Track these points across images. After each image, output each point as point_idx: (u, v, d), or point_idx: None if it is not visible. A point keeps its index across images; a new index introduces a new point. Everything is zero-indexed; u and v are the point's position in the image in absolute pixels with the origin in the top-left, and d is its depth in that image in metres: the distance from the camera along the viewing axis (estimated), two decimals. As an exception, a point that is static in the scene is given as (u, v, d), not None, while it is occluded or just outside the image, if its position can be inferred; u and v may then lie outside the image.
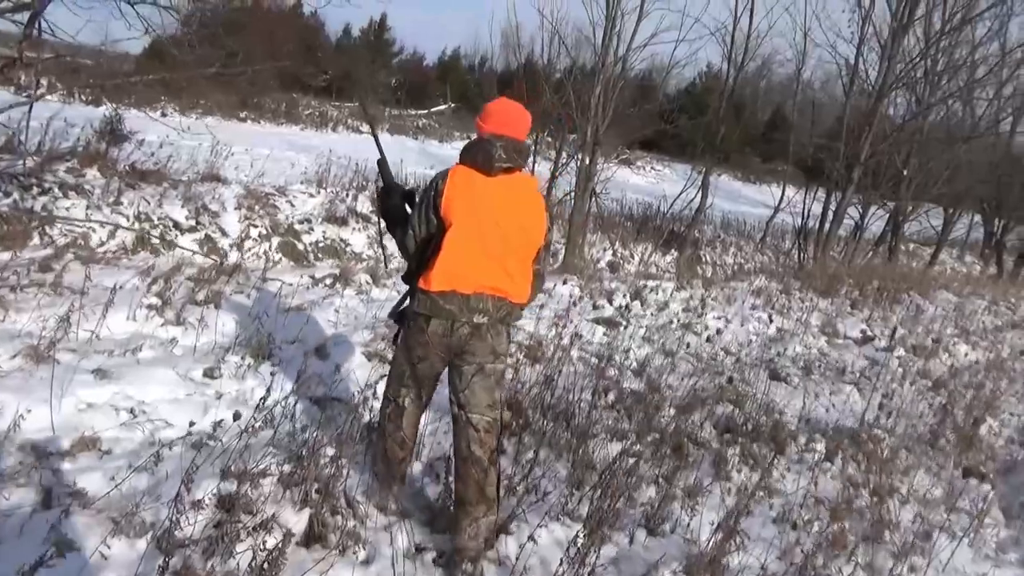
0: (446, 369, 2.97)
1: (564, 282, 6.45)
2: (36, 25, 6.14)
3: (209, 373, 3.98)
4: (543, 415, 3.95)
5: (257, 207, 10.41)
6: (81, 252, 5.16)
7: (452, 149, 26.05)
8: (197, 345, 4.17)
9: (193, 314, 4.43)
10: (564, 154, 11.51)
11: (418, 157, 22.29)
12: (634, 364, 5.24)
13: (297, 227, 10.36)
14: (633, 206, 17.37)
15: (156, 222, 9.35)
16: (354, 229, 10.83)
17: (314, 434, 3.24)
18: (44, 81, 12.62)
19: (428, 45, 73.88)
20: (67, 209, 8.75)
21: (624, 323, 5.79)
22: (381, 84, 43.20)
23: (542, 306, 5.80)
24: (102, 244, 8.82)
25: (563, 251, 12.62)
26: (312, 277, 5.63)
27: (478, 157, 2.77)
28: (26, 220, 7.61)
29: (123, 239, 8.96)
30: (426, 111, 36.89)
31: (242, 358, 4.14)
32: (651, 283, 7.19)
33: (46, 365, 3.67)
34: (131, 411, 3.55)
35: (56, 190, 9.13)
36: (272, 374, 4.10)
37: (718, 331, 6.51)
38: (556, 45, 10.71)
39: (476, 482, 2.76)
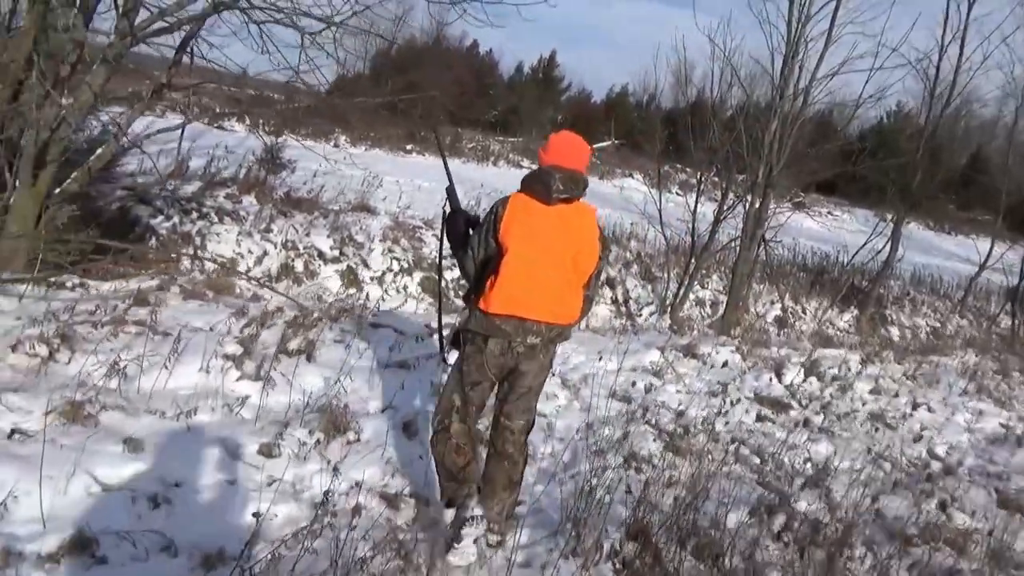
0: None
1: (722, 344, 5.43)
2: (188, 51, 6.08)
3: (266, 451, 3.20)
4: (679, 545, 2.99)
5: (403, 239, 10.15)
6: (187, 284, 4.89)
7: (612, 186, 25.25)
8: (266, 408, 3.40)
9: (279, 367, 3.66)
10: (731, 195, 10.39)
11: (576, 193, 21.78)
12: (809, 468, 4.10)
13: (445, 263, 9.95)
14: (807, 254, 15.71)
15: (302, 251, 9.29)
16: (498, 267, 10.29)
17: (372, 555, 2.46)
18: (196, 106, 13.24)
19: (597, 83, 74.10)
20: (217, 235, 8.86)
21: (796, 406, 4.66)
22: (548, 119, 43.45)
23: (697, 373, 4.86)
24: (249, 270, 8.85)
25: (723, 305, 11.41)
26: (428, 327, 4.89)
27: (537, 187, 2.89)
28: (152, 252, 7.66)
29: (268, 266, 8.95)
30: (589, 148, 36.43)
31: (310, 432, 3.31)
32: (830, 353, 5.94)
33: (80, 427, 3.04)
34: (152, 500, 2.79)
35: (213, 215, 9.31)
36: (343, 457, 3.23)
37: (922, 430, 5.05)
38: (728, 76, 9.73)
39: (506, 472, 3.01)
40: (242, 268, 8.77)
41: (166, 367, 3.36)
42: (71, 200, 7.64)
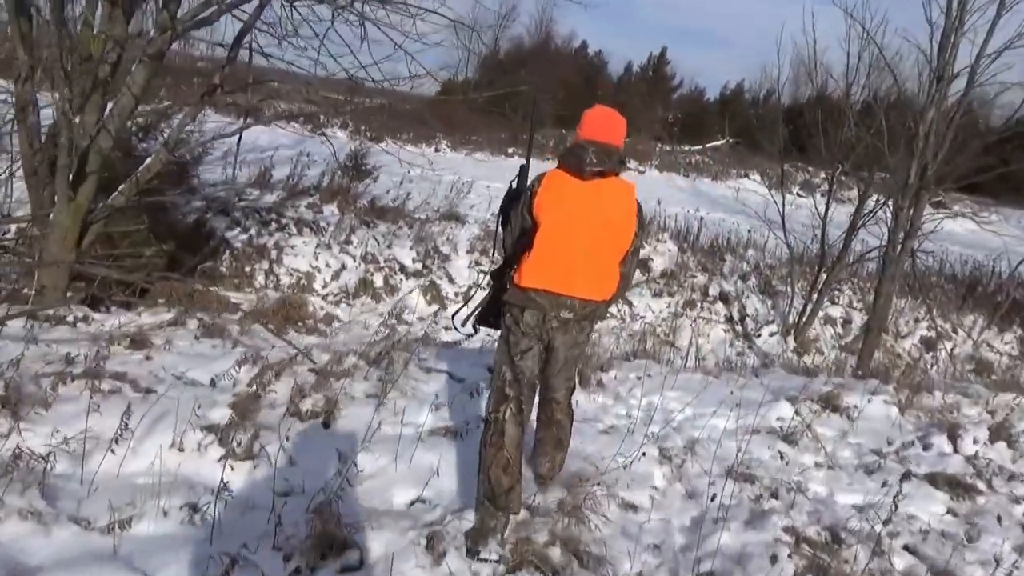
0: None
1: (873, 392, 4.14)
2: (244, 47, 5.45)
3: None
4: None
5: (492, 250, 9.30)
6: (207, 318, 4.16)
7: (726, 188, 23.54)
8: (240, 503, 2.40)
9: (281, 439, 2.70)
10: (872, 199, 8.91)
11: (687, 197, 20.29)
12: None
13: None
14: (954, 263, 13.72)
15: (382, 264, 8.62)
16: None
17: None
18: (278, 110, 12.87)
19: (710, 80, 71.18)
20: (293, 248, 8.32)
21: (984, 487, 3.36)
22: (657, 118, 41.85)
23: (842, 435, 3.68)
24: (326, 285, 8.26)
25: (856, 324, 9.88)
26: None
27: (571, 161, 2.87)
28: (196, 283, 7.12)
29: (346, 281, 8.33)
30: (700, 147, 34.59)
31: (286, 557, 2.22)
32: (1015, 402, 4.51)
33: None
34: None
35: (292, 226, 8.79)
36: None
37: None
38: (869, 58, 8.28)
39: (554, 435, 3.11)
40: (318, 284, 8.20)
41: (112, 450, 2.40)
42: (140, 213, 7.29)
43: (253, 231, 8.43)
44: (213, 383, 3.10)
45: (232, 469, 2.49)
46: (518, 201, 2.98)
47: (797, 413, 3.88)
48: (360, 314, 7.80)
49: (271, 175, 9.75)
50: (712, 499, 2.99)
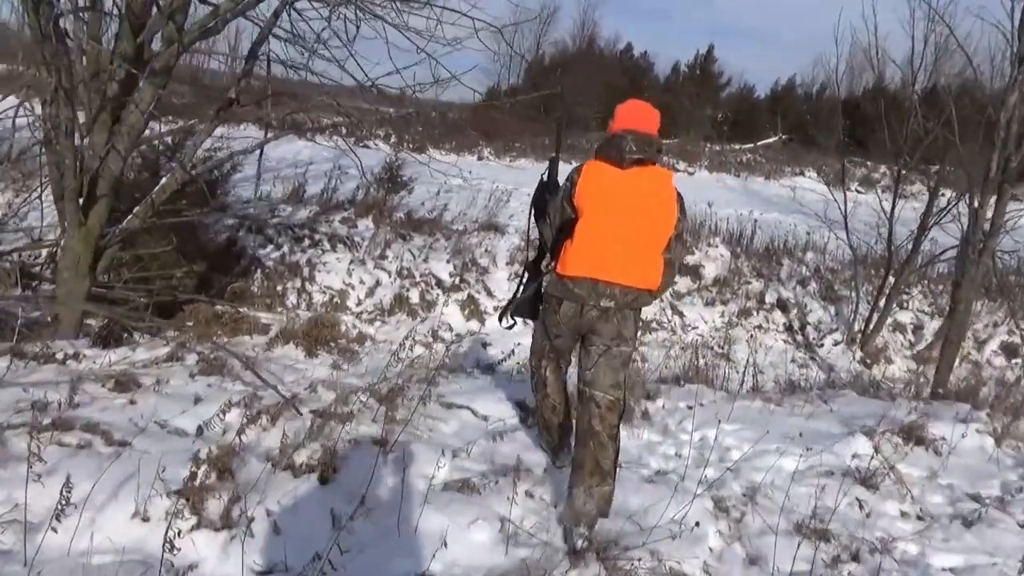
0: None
1: (962, 420, 3.52)
2: (260, 59, 5.16)
3: None
4: None
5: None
6: (208, 351, 3.80)
7: (781, 187, 22.63)
8: None
9: (266, 501, 2.28)
10: (943, 196, 8.20)
11: (739, 197, 19.50)
12: None
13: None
14: (1032, 260, 12.74)
15: (418, 279, 8.28)
16: (645, 290, 8.74)
17: None
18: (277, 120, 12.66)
19: (759, 77, 69.39)
20: (325, 265, 8.03)
21: None
22: (706, 118, 40.92)
23: (930, 476, 3.13)
24: (360, 303, 7.96)
25: (928, 330, 9.13)
26: (520, 405, 3.45)
27: (611, 152, 2.91)
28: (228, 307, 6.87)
29: (381, 298, 8.01)
30: (752, 145, 33.56)
31: None
32: None
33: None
34: None
35: (326, 242, 8.53)
36: None
37: None
38: (937, 41, 7.60)
39: (592, 454, 2.85)
40: (352, 301, 7.90)
41: (54, 528, 1.93)
42: (168, 233, 7.09)
43: (286, 248, 8.19)
44: (200, 431, 2.75)
45: (204, 543, 2.13)
46: (552, 193, 3.07)
47: (876, 450, 3.34)
48: (395, 331, 7.45)
49: (304, 190, 9.52)
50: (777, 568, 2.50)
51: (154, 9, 4.63)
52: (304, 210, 9.11)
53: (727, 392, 4.29)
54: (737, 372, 6.47)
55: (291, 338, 6.79)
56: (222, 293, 7.33)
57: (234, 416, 2.80)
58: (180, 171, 5.12)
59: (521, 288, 3.19)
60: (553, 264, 2.99)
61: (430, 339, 7.36)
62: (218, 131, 7.65)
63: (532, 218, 3.21)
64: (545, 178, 3.14)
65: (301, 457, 2.58)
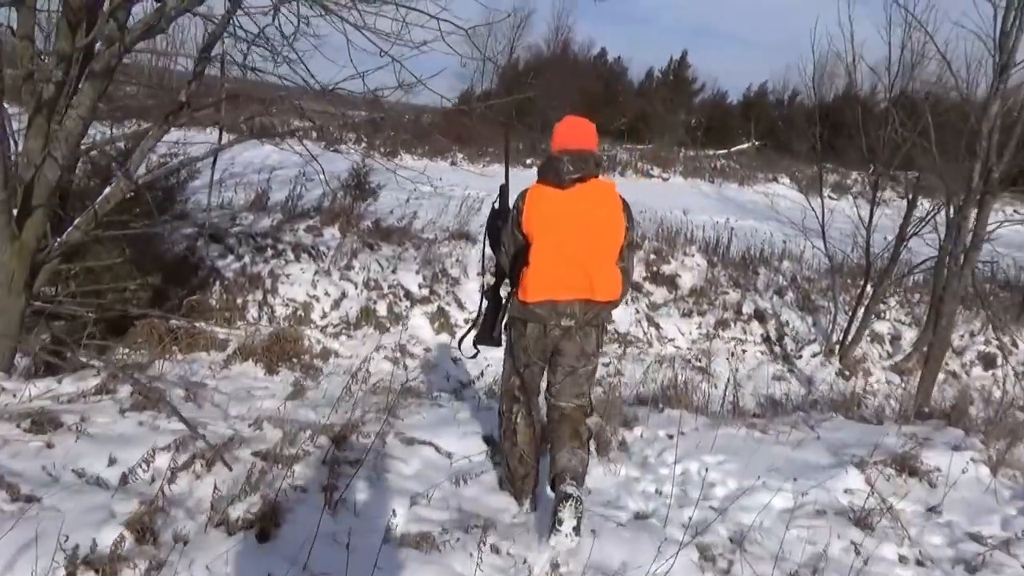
0: None
1: (955, 448, 3.32)
2: (213, 60, 4.84)
3: None
4: None
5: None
6: (146, 379, 3.46)
7: (755, 193, 22.61)
8: None
9: (194, 565, 1.96)
10: (920, 204, 8.08)
11: (714, 204, 19.40)
12: None
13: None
14: (1008, 268, 12.74)
15: (386, 290, 7.97)
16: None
17: None
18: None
19: (732, 83, 69.73)
20: (288, 277, 7.69)
21: None
22: (679, 123, 41.00)
23: (927, 512, 2.94)
24: (324, 316, 7.62)
25: (906, 340, 9.02)
26: (487, 439, 3.29)
27: (549, 174, 2.99)
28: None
29: (347, 311, 7.68)
30: (726, 151, 33.66)
31: None
32: None
33: None
34: None
35: (289, 252, 8.18)
36: None
37: None
38: (915, 47, 7.47)
39: (569, 426, 2.98)
40: (316, 314, 7.56)
41: None
42: (120, 244, 6.70)
43: (247, 259, 7.83)
44: (125, 480, 2.43)
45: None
46: (504, 220, 3.09)
47: (870, 485, 3.11)
48: (361, 346, 7.14)
49: (268, 197, 9.16)
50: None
51: (105, 5, 4.30)
52: (267, 218, 8.75)
53: (708, 417, 4.04)
54: (716, 388, 6.26)
55: (250, 354, 6.45)
56: (178, 307, 6.96)
57: (163, 462, 2.49)
58: (125, 180, 4.77)
59: (481, 316, 3.21)
60: (514, 290, 3.04)
61: (398, 354, 7.06)
62: (174, 135, 7.33)
63: (487, 246, 3.24)
64: (496, 205, 3.16)
65: (237, 511, 2.27)
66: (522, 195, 2.99)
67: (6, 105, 4.47)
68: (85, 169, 6.93)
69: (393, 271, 8.18)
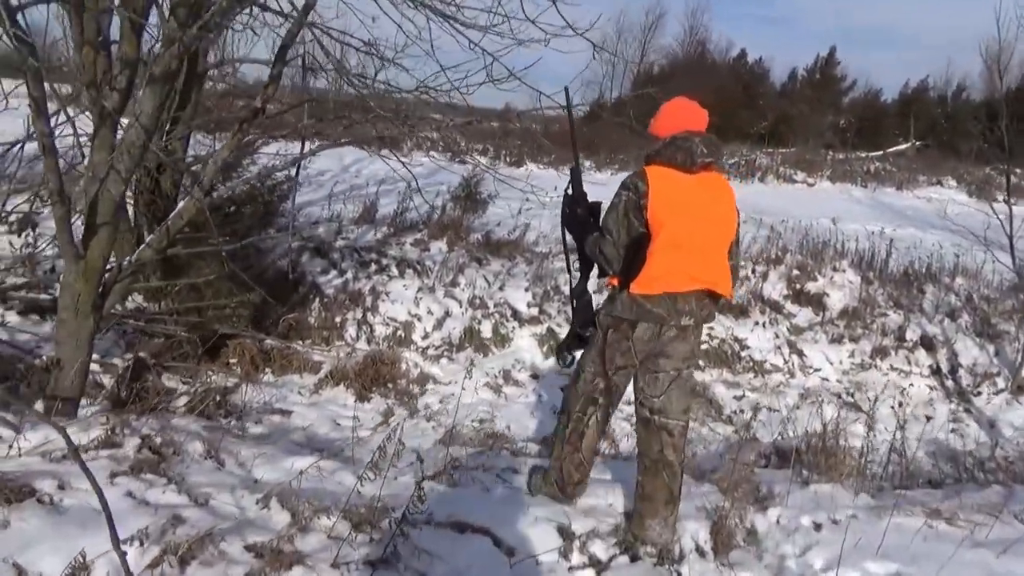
0: None
1: None
2: (292, 63, 4.41)
3: None
4: None
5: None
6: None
7: (914, 198, 20.34)
8: None
9: None
10: None
11: (867, 211, 17.50)
12: None
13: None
14: None
15: (491, 309, 7.36)
16: (757, 323, 7.49)
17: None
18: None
19: (886, 80, 64.57)
20: (389, 294, 7.24)
21: None
22: (827, 124, 38.28)
23: None
24: (426, 336, 7.12)
25: None
26: (563, 532, 2.59)
27: (677, 156, 2.73)
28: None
29: (450, 331, 7.14)
30: (880, 152, 30.85)
31: None
32: None
33: None
34: None
35: (394, 267, 7.77)
36: None
37: None
38: None
39: (666, 485, 2.76)
40: (418, 335, 7.06)
41: None
42: (219, 258, 6.49)
43: (349, 274, 7.48)
44: (86, 567, 1.89)
45: None
46: (582, 206, 2.87)
47: None
48: (461, 371, 6.55)
49: (376, 209, 8.82)
50: None
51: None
52: (374, 231, 8.41)
53: (871, 495, 3.08)
54: (873, 432, 5.13)
55: (342, 378, 6.03)
56: (275, 325, 6.67)
57: (132, 556, 1.93)
58: (199, 193, 4.41)
59: (573, 318, 2.97)
60: (620, 283, 2.75)
61: (500, 380, 6.42)
62: (275, 148, 7.08)
63: (567, 237, 3.00)
64: (570, 191, 2.91)
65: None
66: (641, 176, 2.69)
67: (71, 112, 4.23)
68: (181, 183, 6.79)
69: (500, 288, 7.57)
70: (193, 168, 6.39)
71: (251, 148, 6.78)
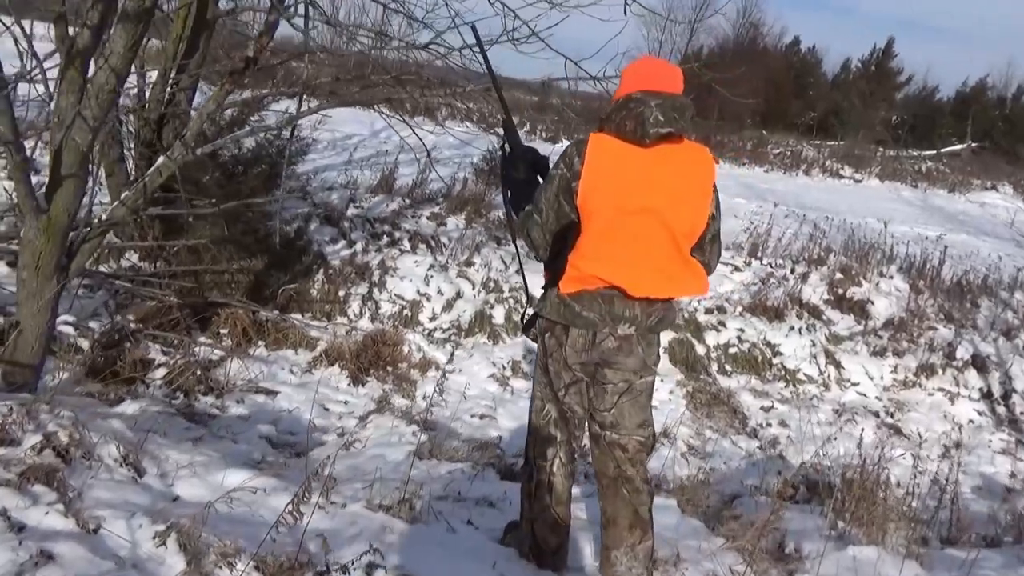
0: None
1: None
2: (288, 9, 3.93)
3: None
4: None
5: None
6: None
7: (966, 202, 19.35)
8: None
9: None
10: None
11: (917, 213, 16.62)
12: None
13: (702, 318, 6.90)
14: None
15: (505, 293, 6.89)
16: (792, 329, 6.91)
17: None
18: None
19: (944, 77, 62.14)
20: (398, 270, 6.79)
21: None
22: (878, 119, 36.91)
23: None
24: (434, 318, 6.67)
25: None
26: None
27: (627, 123, 2.16)
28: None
29: (459, 314, 6.68)
30: (934, 152, 29.59)
31: None
32: None
33: None
34: None
35: (406, 241, 7.31)
36: None
37: None
38: None
39: (628, 504, 2.34)
40: (425, 315, 6.62)
41: None
42: (219, 221, 6.10)
43: (359, 246, 7.03)
44: None
45: None
46: (517, 169, 2.42)
47: None
48: (468, 358, 6.11)
49: (395, 179, 8.35)
50: None
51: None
52: (390, 202, 7.95)
53: (920, 563, 2.55)
54: (916, 460, 4.55)
55: (338, 358, 5.61)
56: (274, 296, 6.27)
57: None
58: (180, 149, 3.96)
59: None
60: (547, 278, 2.38)
61: (508, 372, 5.96)
62: (286, 105, 6.62)
63: (507, 208, 2.50)
64: (506, 149, 2.41)
65: None
66: (578, 148, 2.17)
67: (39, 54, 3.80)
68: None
69: (517, 271, 7.07)
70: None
71: (259, 104, 6.33)
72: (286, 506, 1.67)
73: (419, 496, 2.33)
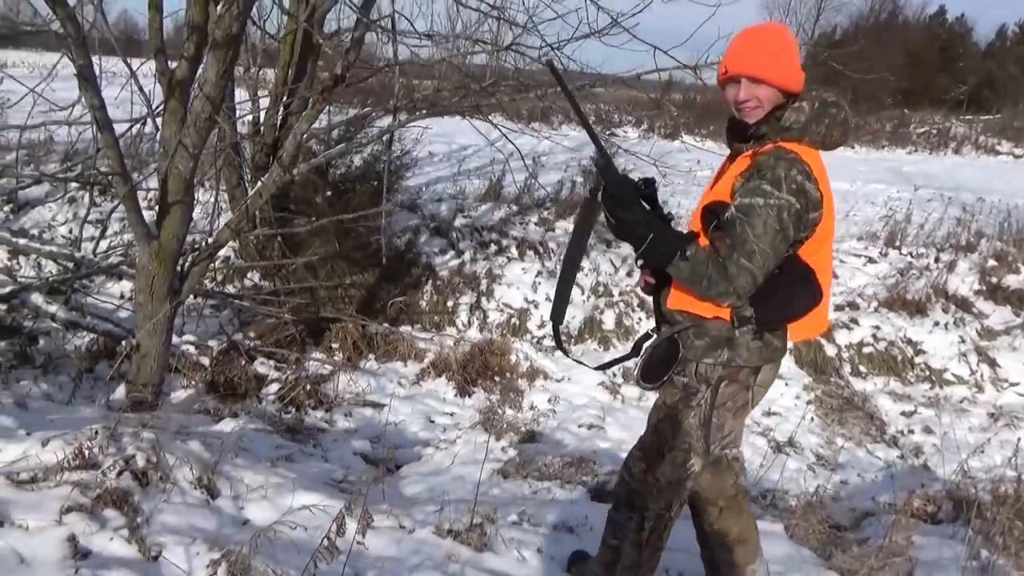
0: None
1: None
2: (376, 25, 3.95)
3: None
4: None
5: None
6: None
7: None
8: None
9: None
10: None
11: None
12: None
13: (831, 316, 6.35)
14: None
15: (616, 297, 6.67)
16: (937, 324, 6.24)
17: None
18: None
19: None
20: (505, 277, 6.72)
21: None
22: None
23: None
24: (542, 325, 6.54)
25: None
26: None
27: (833, 132, 1.95)
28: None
29: (568, 321, 6.51)
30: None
31: None
32: None
33: None
34: None
35: (513, 249, 7.24)
36: None
37: None
38: None
39: (751, 515, 2.32)
40: (533, 323, 6.51)
41: None
42: (330, 236, 6.28)
43: (467, 255, 7.03)
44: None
45: None
46: (651, 203, 1.98)
47: None
48: (575, 367, 5.92)
49: (502, 187, 8.31)
50: None
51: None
52: (497, 210, 7.92)
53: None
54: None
55: (445, 369, 5.61)
56: (384, 309, 6.37)
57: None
58: (279, 170, 4.07)
59: (652, 342, 2.13)
60: (739, 319, 1.99)
61: (619, 380, 5.73)
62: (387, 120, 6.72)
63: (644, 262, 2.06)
64: (601, 187, 1.92)
65: None
66: (800, 170, 1.86)
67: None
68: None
69: (628, 274, 6.84)
70: (310, 143, 6.17)
71: (363, 122, 6.46)
72: (322, 539, 1.59)
73: (492, 520, 2.20)
